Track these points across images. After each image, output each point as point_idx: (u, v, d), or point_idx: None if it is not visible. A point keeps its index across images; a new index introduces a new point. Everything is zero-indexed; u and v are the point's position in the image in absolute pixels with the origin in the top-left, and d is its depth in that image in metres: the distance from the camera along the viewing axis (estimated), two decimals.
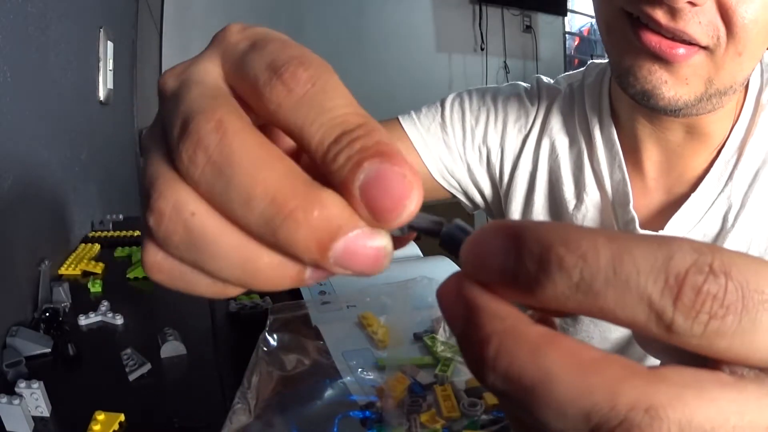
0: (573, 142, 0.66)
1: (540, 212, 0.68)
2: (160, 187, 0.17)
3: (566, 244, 0.14)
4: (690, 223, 0.58)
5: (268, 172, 0.16)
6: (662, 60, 0.47)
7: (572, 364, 0.14)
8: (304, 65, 0.17)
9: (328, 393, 0.52)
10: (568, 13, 3.40)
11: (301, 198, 0.16)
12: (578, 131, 0.65)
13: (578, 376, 0.13)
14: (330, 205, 0.16)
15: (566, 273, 0.14)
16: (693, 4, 0.44)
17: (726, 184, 0.56)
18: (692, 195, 0.57)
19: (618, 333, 0.66)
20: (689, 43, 0.46)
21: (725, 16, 0.45)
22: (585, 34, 3.67)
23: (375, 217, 0.16)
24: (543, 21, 3.30)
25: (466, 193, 0.74)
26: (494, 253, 0.15)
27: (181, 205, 0.17)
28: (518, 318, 0.15)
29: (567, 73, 0.73)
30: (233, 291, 0.19)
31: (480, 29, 3.10)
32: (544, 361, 0.14)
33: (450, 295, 0.16)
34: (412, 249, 0.92)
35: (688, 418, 0.13)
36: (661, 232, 0.58)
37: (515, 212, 0.70)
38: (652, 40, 0.47)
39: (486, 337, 0.15)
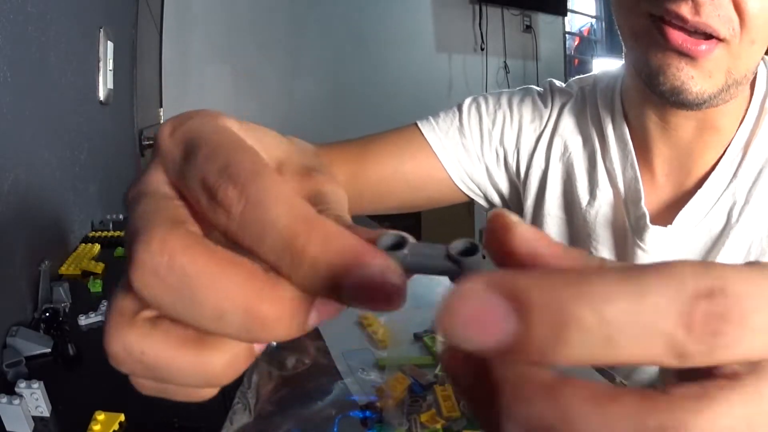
0: (586, 141, 0.68)
1: (552, 209, 0.70)
2: (110, 329, 0.18)
3: (581, 300, 0.13)
4: (696, 218, 0.60)
5: (231, 285, 0.16)
6: (688, 57, 0.49)
7: (590, 399, 0.13)
8: (232, 180, 0.17)
9: (328, 393, 0.52)
10: (568, 13, 3.40)
11: (270, 303, 0.16)
12: (591, 131, 0.67)
13: (599, 409, 0.13)
14: (294, 299, 0.16)
15: (587, 333, 0.13)
16: None
17: (731, 181, 0.58)
18: (698, 191, 0.59)
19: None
20: (709, 37, 0.48)
21: (738, 7, 0.47)
22: (585, 34, 3.67)
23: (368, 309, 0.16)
24: (543, 21, 3.30)
25: (485, 196, 0.76)
26: (494, 321, 0.13)
27: (130, 347, 0.17)
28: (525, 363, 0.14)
29: (578, 77, 0.75)
30: (206, 393, 0.20)
31: (480, 29, 3.10)
32: (563, 400, 0.13)
33: (454, 352, 0.16)
34: None
35: (711, 428, 0.13)
36: (669, 227, 0.60)
37: (528, 209, 0.72)
38: (678, 38, 0.49)
39: (498, 385, 0.14)
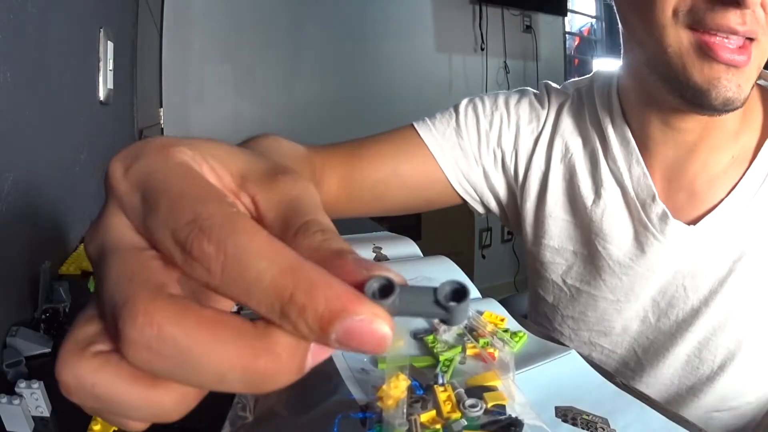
0: (586, 142, 0.67)
1: (554, 211, 0.70)
2: (62, 358, 0.18)
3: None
4: (722, 225, 0.60)
5: (225, 349, 0.16)
6: (735, 68, 0.49)
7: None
8: (205, 234, 0.17)
9: (328, 393, 0.52)
10: (568, 13, 3.40)
11: (266, 359, 0.16)
12: (591, 131, 0.67)
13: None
14: (288, 348, 0.17)
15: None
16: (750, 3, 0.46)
17: (756, 194, 0.59)
18: (726, 199, 0.59)
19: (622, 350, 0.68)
20: (748, 40, 0.49)
21: (765, 5, 0.48)
22: (585, 34, 3.67)
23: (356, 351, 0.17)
24: (543, 21, 3.30)
25: (480, 199, 0.75)
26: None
27: (82, 379, 0.18)
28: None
29: (573, 80, 0.75)
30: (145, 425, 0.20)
31: (480, 29, 3.10)
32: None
33: None
34: (412, 249, 0.92)
35: None
36: (692, 227, 0.61)
37: (529, 211, 0.72)
38: (726, 52, 0.49)
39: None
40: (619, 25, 0.59)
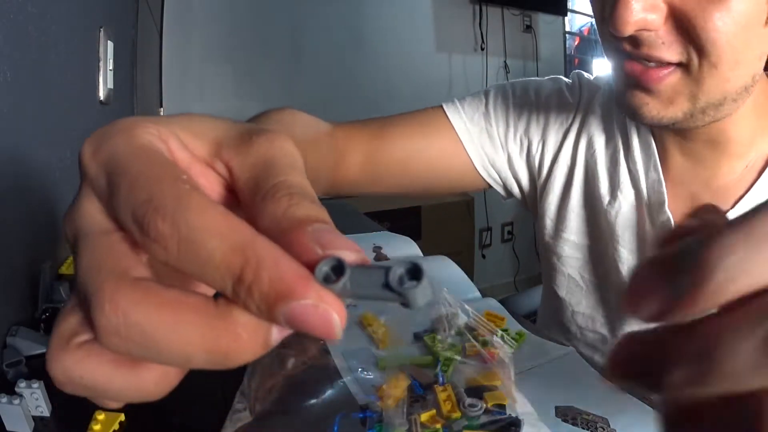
0: (609, 140, 0.67)
1: (576, 206, 0.69)
2: (50, 355, 0.18)
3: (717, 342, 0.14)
4: None
5: (188, 331, 0.17)
6: (642, 85, 0.50)
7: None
8: (160, 212, 0.17)
9: (328, 393, 0.52)
10: (568, 13, 3.40)
11: (227, 337, 0.17)
12: (616, 129, 0.66)
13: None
14: (248, 326, 0.17)
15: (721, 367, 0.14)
16: (647, 30, 0.46)
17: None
18: (731, 211, 0.57)
19: None
20: (666, 63, 0.48)
21: (690, 32, 0.46)
22: (585, 34, 3.66)
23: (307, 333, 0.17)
24: (543, 21, 3.30)
25: (504, 184, 0.75)
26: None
27: (70, 372, 0.18)
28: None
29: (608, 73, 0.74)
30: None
31: (480, 29, 3.10)
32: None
33: None
34: (412, 249, 0.92)
35: None
36: None
37: (551, 205, 0.71)
38: (628, 67, 0.50)
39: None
40: None
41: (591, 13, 0.57)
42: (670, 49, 0.47)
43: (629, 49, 0.49)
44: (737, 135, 0.56)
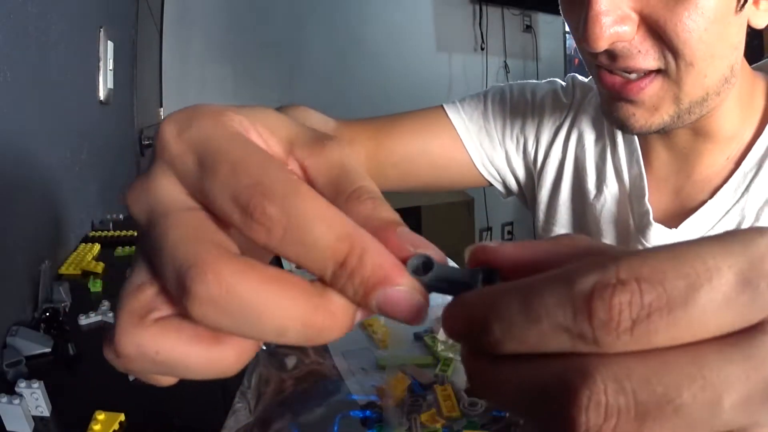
0: (599, 137, 0.69)
1: (565, 200, 0.72)
2: (122, 331, 0.18)
3: (484, 307, 0.16)
4: (704, 228, 0.59)
5: (288, 304, 0.17)
6: (624, 97, 0.50)
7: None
8: (268, 197, 0.17)
9: (328, 393, 0.52)
10: None
11: (323, 314, 0.18)
12: (605, 127, 0.68)
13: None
14: (341, 306, 0.18)
15: (490, 332, 0.16)
16: (621, 41, 0.46)
17: (742, 195, 0.57)
18: (709, 201, 0.58)
19: None
20: (644, 73, 0.48)
21: (662, 36, 0.46)
22: None
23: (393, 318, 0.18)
24: (543, 21, 3.30)
25: (503, 181, 0.78)
26: (459, 323, 0.18)
27: (144, 348, 0.18)
28: None
29: None
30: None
31: (480, 29, 3.10)
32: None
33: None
34: None
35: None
36: (674, 230, 0.59)
37: (543, 199, 0.74)
38: (609, 81, 0.50)
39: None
40: None
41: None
42: (646, 57, 0.48)
43: (607, 63, 0.49)
44: (720, 128, 0.57)
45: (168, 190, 0.19)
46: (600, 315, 0.14)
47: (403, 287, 0.17)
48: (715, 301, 0.14)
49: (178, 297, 0.17)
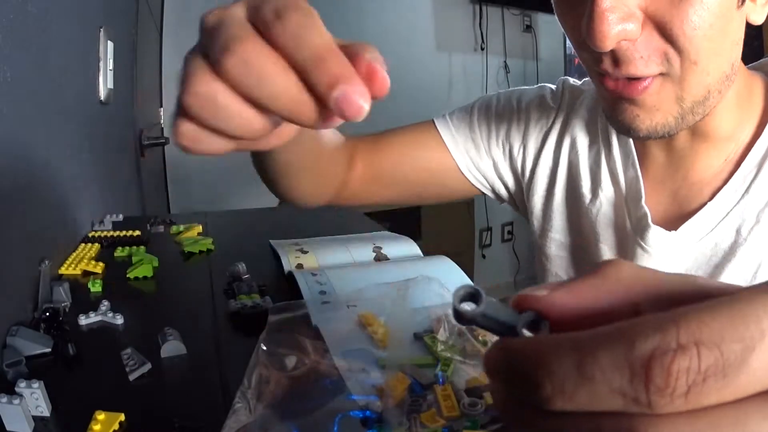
0: (593, 141, 0.69)
1: (559, 205, 0.72)
2: (197, 79, 0.27)
3: (535, 359, 0.16)
4: (703, 230, 0.58)
5: (288, 79, 0.26)
6: (627, 99, 0.50)
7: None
8: (297, 11, 0.27)
9: (328, 393, 0.52)
10: None
11: (307, 93, 0.26)
12: (599, 131, 0.68)
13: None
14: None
15: (540, 386, 0.16)
16: (627, 40, 0.46)
17: (742, 197, 0.57)
18: (708, 203, 0.58)
19: None
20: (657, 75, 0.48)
21: (667, 36, 0.46)
22: None
23: (342, 118, 0.26)
24: (543, 21, 3.30)
25: (492, 188, 0.79)
26: (503, 370, 0.17)
27: (212, 92, 0.26)
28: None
29: None
30: (240, 146, 0.30)
31: (480, 29, 3.10)
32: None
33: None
34: (412, 249, 0.92)
35: None
36: (673, 233, 0.59)
37: (537, 205, 0.74)
38: (611, 86, 0.50)
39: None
40: None
41: None
42: (648, 63, 0.48)
43: (610, 69, 0.49)
44: (718, 127, 0.56)
45: (237, 12, 0.28)
46: (657, 381, 0.14)
47: (357, 86, 0.24)
48: (765, 362, 0.14)
49: (218, 56, 0.26)
